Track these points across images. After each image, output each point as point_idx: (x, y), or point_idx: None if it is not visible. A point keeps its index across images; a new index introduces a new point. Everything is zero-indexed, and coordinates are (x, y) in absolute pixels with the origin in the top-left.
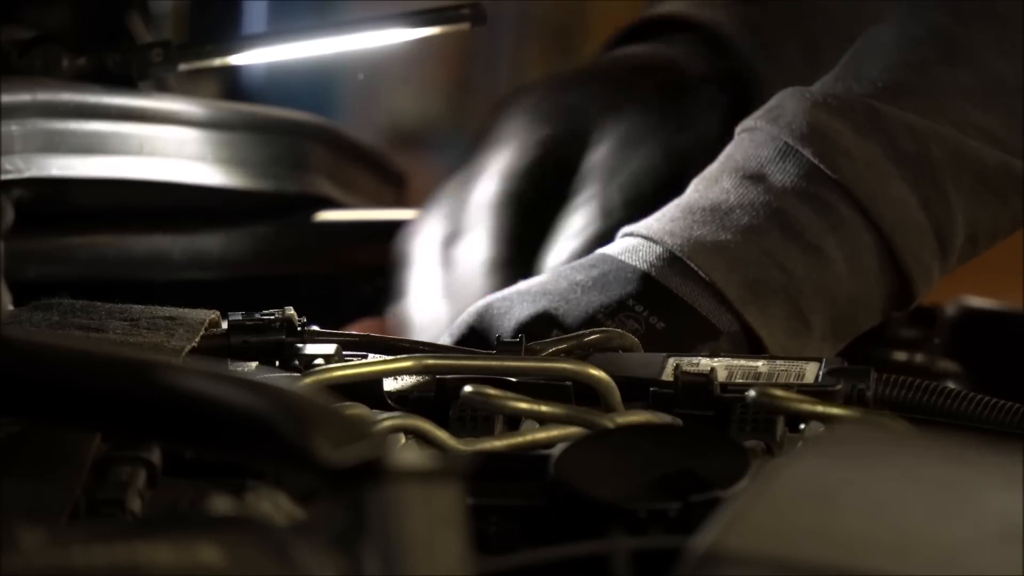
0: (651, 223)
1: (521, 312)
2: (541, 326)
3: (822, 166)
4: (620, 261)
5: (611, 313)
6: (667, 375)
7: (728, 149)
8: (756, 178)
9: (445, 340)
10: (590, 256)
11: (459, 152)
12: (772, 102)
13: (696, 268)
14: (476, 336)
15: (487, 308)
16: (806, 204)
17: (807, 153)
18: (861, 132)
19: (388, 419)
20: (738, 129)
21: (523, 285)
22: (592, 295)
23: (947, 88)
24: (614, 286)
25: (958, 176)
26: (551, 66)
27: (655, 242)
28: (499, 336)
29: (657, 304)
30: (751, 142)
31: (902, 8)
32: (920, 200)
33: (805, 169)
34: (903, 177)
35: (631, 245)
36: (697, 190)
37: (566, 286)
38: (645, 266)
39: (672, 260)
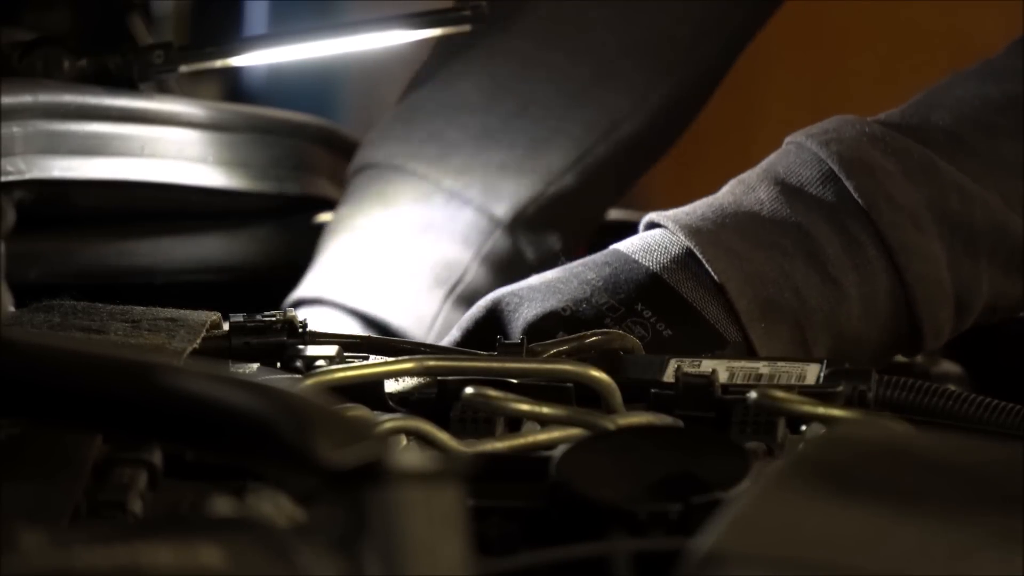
0: (679, 214)
1: (530, 310)
2: (549, 325)
3: (861, 202)
4: (633, 260)
5: (620, 318)
6: (668, 376)
7: (772, 157)
8: (793, 196)
9: (454, 333)
10: (603, 252)
11: None
12: (829, 124)
13: (712, 272)
14: (485, 330)
15: (496, 303)
16: (836, 235)
17: (849, 185)
18: (912, 179)
19: (389, 421)
20: (786, 140)
21: (534, 280)
22: (601, 296)
23: (1007, 160)
24: (624, 287)
25: (994, 247)
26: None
27: (677, 234)
28: (500, 337)
29: (665, 309)
30: (797, 158)
31: (985, 67)
32: (950, 260)
33: (843, 201)
34: (940, 234)
35: (647, 242)
36: (733, 193)
37: (576, 285)
38: (657, 268)
39: (687, 262)
